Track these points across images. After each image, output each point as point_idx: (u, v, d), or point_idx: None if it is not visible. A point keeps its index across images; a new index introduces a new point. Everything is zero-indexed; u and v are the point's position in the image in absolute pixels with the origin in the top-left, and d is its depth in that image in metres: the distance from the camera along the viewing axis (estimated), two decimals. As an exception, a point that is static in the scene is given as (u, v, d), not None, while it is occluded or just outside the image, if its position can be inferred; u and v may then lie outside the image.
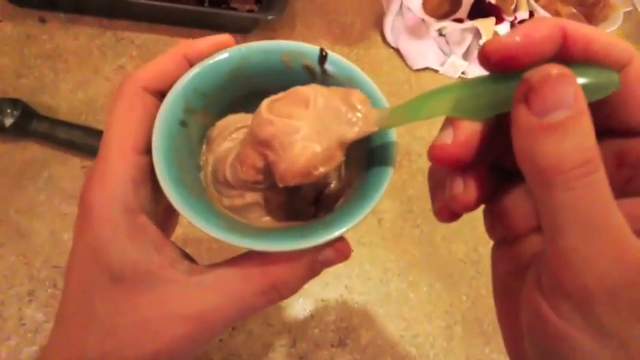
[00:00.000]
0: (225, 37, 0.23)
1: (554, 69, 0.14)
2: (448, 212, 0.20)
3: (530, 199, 0.19)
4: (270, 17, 0.57)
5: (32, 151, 0.49)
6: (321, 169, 0.20)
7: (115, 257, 0.18)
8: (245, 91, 0.25)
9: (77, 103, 0.53)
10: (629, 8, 0.77)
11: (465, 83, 0.17)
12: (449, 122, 0.18)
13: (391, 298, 0.47)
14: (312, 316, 0.44)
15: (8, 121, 0.47)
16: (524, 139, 0.14)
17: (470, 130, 0.17)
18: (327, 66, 0.24)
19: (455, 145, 0.17)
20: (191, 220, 0.19)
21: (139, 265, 0.19)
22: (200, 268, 0.20)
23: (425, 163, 0.55)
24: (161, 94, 0.22)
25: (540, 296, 0.15)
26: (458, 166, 0.18)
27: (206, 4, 0.63)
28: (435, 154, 0.18)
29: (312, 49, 0.24)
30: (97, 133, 0.49)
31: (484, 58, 0.16)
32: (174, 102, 0.22)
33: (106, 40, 0.59)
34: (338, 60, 0.24)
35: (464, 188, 0.18)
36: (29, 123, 0.48)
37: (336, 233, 0.19)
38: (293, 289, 0.21)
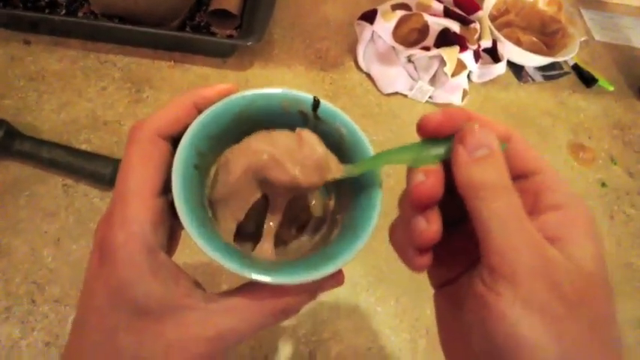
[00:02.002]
0: (229, 86, 0.25)
1: (477, 123, 0.21)
2: (420, 258, 0.22)
3: (463, 242, 0.24)
4: (249, 43, 0.60)
5: (14, 170, 0.50)
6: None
7: (140, 294, 0.20)
8: (246, 130, 0.27)
9: (60, 123, 0.55)
10: (585, 38, 0.83)
11: (414, 146, 0.23)
12: (415, 170, 0.22)
13: (360, 312, 0.49)
14: (283, 330, 0.46)
15: (-8, 141, 0.49)
16: (462, 168, 0.21)
17: (435, 170, 0.22)
18: (319, 112, 0.27)
19: (431, 180, 0.21)
20: (220, 262, 0.21)
21: (163, 298, 0.21)
22: (214, 296, 0.23)
23: (393, 183, 0.58)
24: (172, 139, 0.24)
25: (483, 287, 0.19)
26: (434, 200, 0.21)
27: (187, 29, 0.66)
28: (418, 191, 0.21)
29: (307, 97, 0.26)
30: (79, 153, 0.51)
31: (421, 128, 0.22)
32: (188, 148, 0.23)
33: (90, 63, 0.61)
34: (328, 107, 0.27)
35: (427, 224, 0.21)
36: (12, 142, 0.50)
37: (336, 267, 0.22)
38: (297, 311, 0.24)
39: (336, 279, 0.25)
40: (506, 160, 0.21)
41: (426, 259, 0.22)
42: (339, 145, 0.27)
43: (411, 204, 0.22)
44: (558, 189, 0.22)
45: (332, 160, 0.25)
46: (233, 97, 0.25)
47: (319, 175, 0.24)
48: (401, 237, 0.24)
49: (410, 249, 0.22)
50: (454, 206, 0.22)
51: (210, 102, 0.25)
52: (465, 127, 0.21)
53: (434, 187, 0.21)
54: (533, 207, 0.21)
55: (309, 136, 0.24)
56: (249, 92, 0.26)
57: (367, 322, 0.49)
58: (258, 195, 0.27)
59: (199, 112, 0.25)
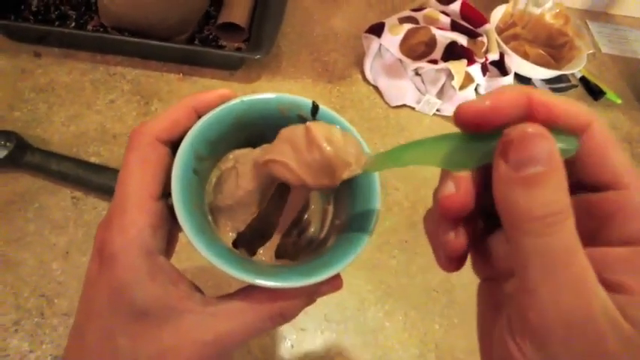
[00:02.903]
0: (228, 91, 0.25)
1: (530, 127, 0.15)
2: (448, 263, 0.21)
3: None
4: (257, 57, 0.60)
5: (24, 182, 0.50)
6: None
7: (138, 297, 0.20)
8: (245, 136, 0.27)
9: (69, 135, 0.55)
10: (592, 51, 0.83)
11: (445, 137, 0.19)
12: (446, 175, 0.19)
13: (368, 327, 0.49)
14: (291, 346, 0.46)
15: (2, 153, 0.49)
16: (502, 189, 0.16)
17: (467, 180, 0.18)
18: (318, 117, 0.27)
19: (460, 194, 0.18)
20: (220, 267, 0.21)
21: (161, 301, 0.21)
22: (212, 299, 0.23)
23: (400, 196, 0.58)
24: (172, 144, 0.24)
25: (508, 335, 0.16)
26: (464, 213, 0.19)
27: (196, 42, 0.66)
28: (445, 204, 0.19)
29: (306, 101, 0.27)
30: (88, 166, 0.51)
31: (459, 119, 0.18)
32: (188, 153, 0.24)
33: (99, 75, 0.61)
34: (328, 112, 0.27)
35: (454, 235, 0.19)
36: (23, 155, 0.50)
37: (334, 271, 0.23)
38: (295, 315, 0.24)
39: (333, 284, 0.24)
40: (575, 164, 0.17)
41: (454, 266, 0.21)
42: None
43: (440, 212, 0.19)
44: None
45: (351, 151, 0.23)
46: (232, 102, 0.25)
47: (330, 176, 0.23)
48: (432, 230, 0.22)
49: (439, 250, 0.21)
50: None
51: (210, 107, 0.25)
52: (511, 131, 0.16)
53: (463, 201, 0.18)
54: (597, 233, 0.17)
55: (318, 132, 0.22)
56: (248, 97, 0.26)
57: (375, 336, 0.48)
58: (263, 206, 0.27)
59: (199, 117, 0.25)
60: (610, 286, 0.15)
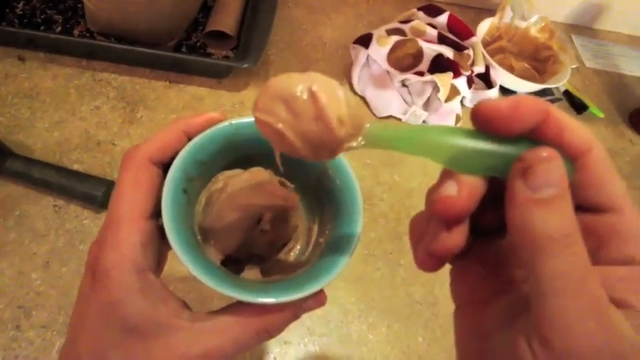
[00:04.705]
0: (217, 114, 0.26)
1: (545, 152, 0.16)
2: (431, 260, 0.20)
3: (495, 261, 0.21)
4: (244, 66, 0.60)
5: (4, 189, 0.50)
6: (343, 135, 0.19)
7: (130, 313, 0.21)
8: (234, 157, 0.28)
9: (52, 142, 0.54)
10: (576, 65, 0.85)
11: (457, 132, 0.18)
12: (448, 175, 0.18)
13: (351, 340, 0.49)
14: (274, 358, 0.46)
15: (-18, 160, 0.48)
16: (519, 209, 0.16)
17: (472, 184, 0.18)
18: None
19: (461, 197, 0.18)
20: (207, 284, 0.22)
21: (151, 318, 0.21)
22: (200, 315, 0.23)
23: (386, 207, 0.59)
24: (163, 165, 0.25)
25: (530, 353, 0.16)
26: (460, 219, 0.18)
27: (184, 50, 0.66)
28: (441, 206, 0.18)
29: None
30: (71, 174, 0.50)
31: (476, 116, 0.18)
32: (177, 173, 0.25)
33: (84, 81, 0.61)
34: None
35: (447, 233, 0.19)
36: (3, 161, 0.49)
37: (318, 287, 0.23)
38: (280, 330, 0.24)
39: (318, 299, 0.25)
40: (575, 186, 0.17)
41: (433, 263, 0.20)
42: (323, 171, 0.28)
43: (433, 213, 0.19)
44: (636, 237, 0.17)
45: (352, 122, 0.19)
46: (220, 125, 0.26)
47: (332, 151, 0.20)
48: (418, 228, 0.21)
49: (420, 245, 0.20)
50: (491, 215, 0.19)
51: (199, 130, 0.26)
52: (529, 153, 0.16)
53: (464, 207, 0.18)
54: (596, 253, 0.17)
55: (328, 109, 0.19)
56: (236, 121, 0.27)
57: (359, 349, 0.48)
58: (249, 231, 0.28)
59: (189, 139, 0.26)
60: (616, 304, 0.16)
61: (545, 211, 0.16)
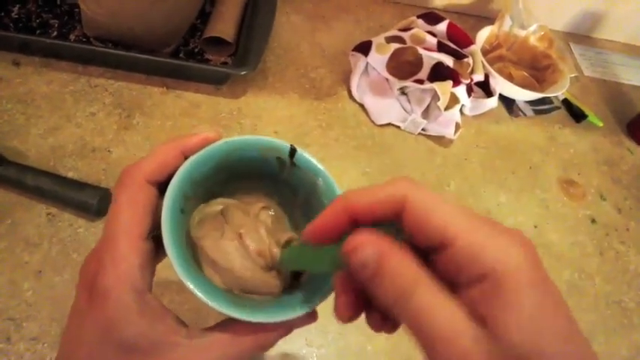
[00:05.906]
0: (213, 134, 0.26)
1: (352, 240, 0.19)
2: (344, 310, 0.23)
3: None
4: (243, 73, 0.59)
5: (-4, 197, 0.49)
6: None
7: (128, 333, 0.21)
8: (227, 176, 0.29)
9: (47, 149, 0.53)
10: (575, 74, 0.85)
11: (311, 251, 0.24)
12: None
13: (350, 351, 0.48)
14: (271, 370, 0.45)
15: (-26, 167, 0.47)
16: (365, 286, 0.19)
17: (343, 290, 0.22)
18: (296, 159, 0.28)
19: (341, 301, 0.22)
20: (206, 302, 0.23)
21: (149, 337, 0.22)
22: (195, 332, 0.24)
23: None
24: (159, 184, 0.25)
25: None
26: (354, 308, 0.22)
27: (181, 55, 0.65)
28: (339, 313, 0.23)
29: (284, 145, 0.28)
30: (66, 181, 0.49)
31: (306, 238, 0.22)
32: (176, 193, 0.25)
33: (80, 87, 0.60)
34: (304, 156, 0.28)
35: (344, 306, 0.22)
36: (-4, 169, 0.48)
37: (313, 306, 0.25)
38: (272, 345, 0.26)
39: (311, 316, 0.26)
40: (411, 234, 0.19)
41: (351, 312, 0.23)
42: (312, 191, 0.29)
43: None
44: (480, 254, 0.18)
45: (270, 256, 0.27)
46: (216, 144, 0.26)
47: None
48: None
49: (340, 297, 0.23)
50: None
51: (195, 149, 0.26)
52: (345, 245, 0.20)
53: (347, 307, 0.22)
54: (457, 280, 0.19)
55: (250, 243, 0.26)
56: (231, 139, 0.27)
57: (357, 361, 0.47)
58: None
59: (185, 158, 0.26)
60: (479, 321, 0.17)
61: (375, 283, 0.19)
